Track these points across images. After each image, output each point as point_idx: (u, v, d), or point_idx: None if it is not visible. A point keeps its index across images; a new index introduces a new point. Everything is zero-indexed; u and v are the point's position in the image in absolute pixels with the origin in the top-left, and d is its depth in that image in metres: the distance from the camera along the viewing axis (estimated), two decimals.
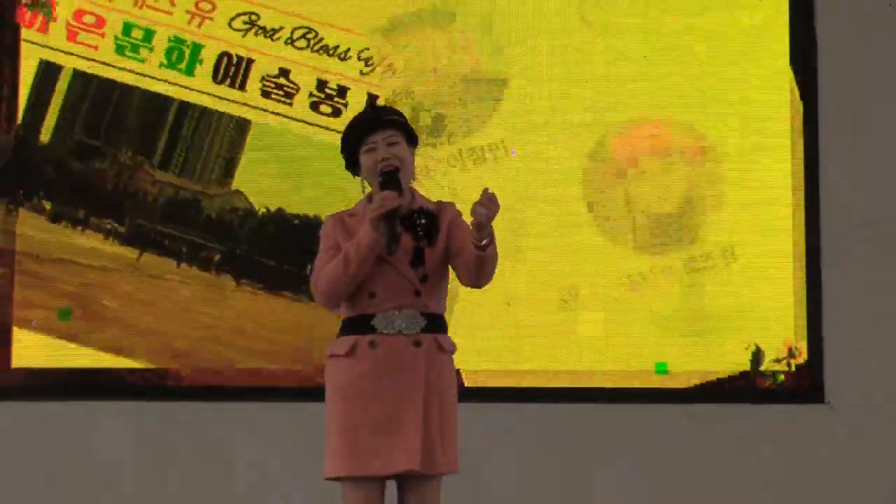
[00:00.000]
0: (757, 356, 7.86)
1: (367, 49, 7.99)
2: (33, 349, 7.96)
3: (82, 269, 7.97)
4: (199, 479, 7.86)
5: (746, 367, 7.89)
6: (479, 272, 4.24)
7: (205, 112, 7.84)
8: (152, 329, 7.97)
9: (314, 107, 7.92)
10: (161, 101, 7.81)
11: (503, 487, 7.60)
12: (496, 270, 4.36)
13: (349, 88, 7.93)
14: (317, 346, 6.79)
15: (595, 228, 8.02)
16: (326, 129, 7.70)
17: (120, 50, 7.86)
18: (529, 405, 7.79)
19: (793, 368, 7.85)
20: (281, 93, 7.83)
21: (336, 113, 7.85)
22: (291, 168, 7.87)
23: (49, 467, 7.89)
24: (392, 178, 4.18)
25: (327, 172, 7.56)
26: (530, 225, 7.94)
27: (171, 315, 7.96)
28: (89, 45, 7.86)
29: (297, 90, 7.97)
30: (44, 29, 7.83)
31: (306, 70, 7.93)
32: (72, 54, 7.89)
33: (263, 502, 7.71)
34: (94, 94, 7.83)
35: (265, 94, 7.94)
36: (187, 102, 7.84)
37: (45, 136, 7.92)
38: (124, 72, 7.90)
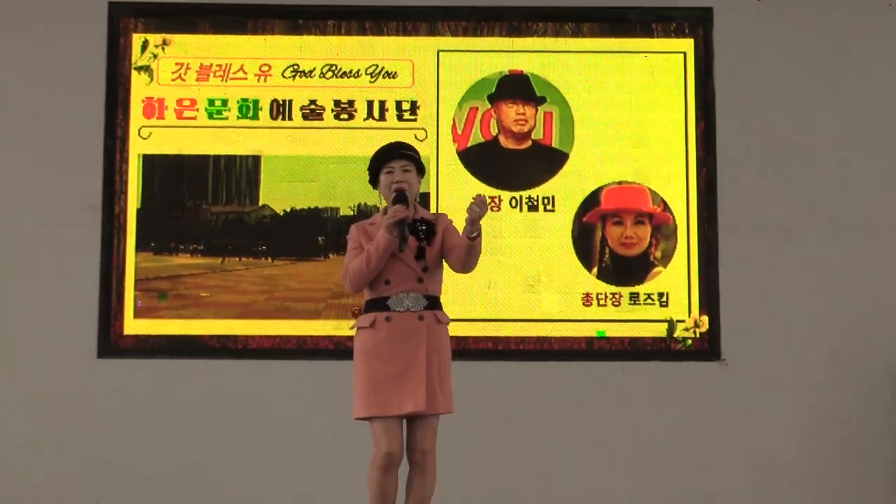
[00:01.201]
0: (671, 327, 8.70)
1: (374, 65, 9.03)
2: (139, 321, 8.81)
3: (176, 271, 9.05)
4: (259, 418, 8.51)
5: (664, 335, 8.72)
6: (468, 259, 4.74)
7: (230, 160, 8.92)
8: (225, 305, 8.90)
9: (336, 116, 8.95)
10: (204, 163, 8.94)
11: (486, 424, 8.21)
12: (479, 263, 5.03)
13: (355, 100, 8.97)
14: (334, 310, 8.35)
15: (570, 250, 8.90)
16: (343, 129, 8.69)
17: (210, 115, 9.02)
18: (505, 363, 8.61)
19: (697, 335, 8.72)
20: (311, 113, 9.04)
21: (350, 117, 9.01)
22: (294, 180, 8.98)
23: (148, 406, 8.53)
24: (401, 196, 4.67)
25: (321, 178, 8.96)
26: (523, 236, 8.97)
27: (238, 294, 8.90)
28: (190, 119, 9.03)
29: (323, 110, 9.02)
30: (161, 115, 8.96)
31: (327, 91, 9.04)
32: (181, 126, 9.08)
33: (306, 434, 8.34)
34: (162, 173, 8.94)
35: (304, 118, 8.95)
36: (220, 163, 8.94)
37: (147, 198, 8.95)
38: (214, 129, 9.05)
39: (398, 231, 4.60)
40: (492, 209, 8.64)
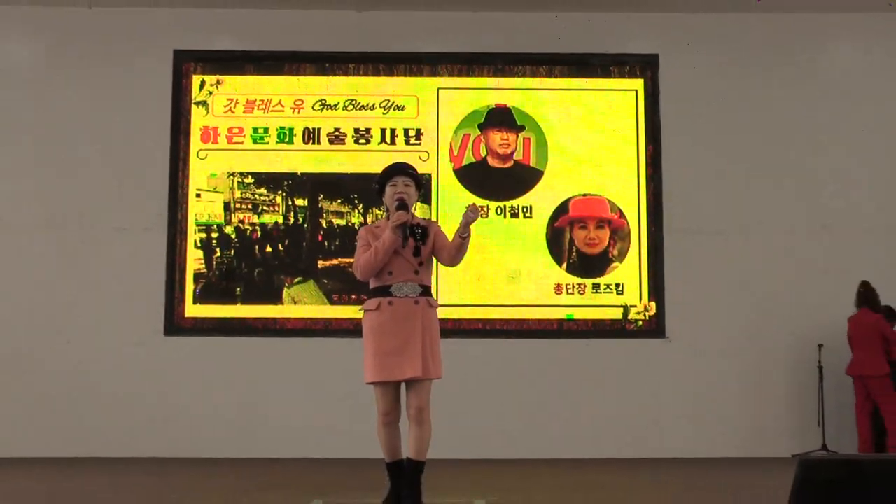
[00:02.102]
0: (626, 311, 9.19)
1: (386, 100, 9.25)
2: (197, 307, 9.13)
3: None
4: (291, 383, 8.85)
5: (620, 317, 9.18)
6: (457, 254, 4.81)
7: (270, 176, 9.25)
8: (264, 294, 9.21)
9: (356, 141, 9.22)
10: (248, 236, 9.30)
11: (476, 388, 8.60)
12: (467, 259, 5.10)
13: (371, 128, 9.24)
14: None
15: (545, 249, 9.16)
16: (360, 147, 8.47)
17: (254, 140, 9.32)
18: (492, 340, 9.01)
19: (646, 318, 9.18)
20: (336, 138, 9.28)
21: (367, 141, 9.23)
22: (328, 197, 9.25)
23: (204, 373, 8.87)
24: (403, 204, 4.72)
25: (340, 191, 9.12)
26: (507, 239, 9.22)
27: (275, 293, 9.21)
28: (239, 143, 9.26)
29: (345, 136, 9.28)
30: (215, 140, 9.27)
31: (348, 121, 9.33)
32: (231, 149, 9.26)
33: (329, 394, 8.66)
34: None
35: (330, 142, 9.28)
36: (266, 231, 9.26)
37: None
38: (258, 151, 9.26)
39: (401, 231, 4.65)
40: (481, 216, 8.94)
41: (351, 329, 8.53)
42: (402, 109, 9.29)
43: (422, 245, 4.71)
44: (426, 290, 4.76)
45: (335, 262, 9.14)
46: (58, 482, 6.08)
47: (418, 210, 5.41)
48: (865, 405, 8.40)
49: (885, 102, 9.37)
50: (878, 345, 8.30)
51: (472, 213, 4.67)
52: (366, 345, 4.70)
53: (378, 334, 4.66)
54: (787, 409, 8.96)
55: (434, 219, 9.01)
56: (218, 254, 9.16)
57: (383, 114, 9.29)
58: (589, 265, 9.18)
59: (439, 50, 9.40)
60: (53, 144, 9.16)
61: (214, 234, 9.16)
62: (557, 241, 9.20)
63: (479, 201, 9.12)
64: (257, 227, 9.16)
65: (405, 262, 4.72)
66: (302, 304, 9.12)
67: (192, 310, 9.07)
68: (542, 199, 9.25)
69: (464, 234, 4.67)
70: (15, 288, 8.96)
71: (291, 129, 9.26)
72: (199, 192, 9.15)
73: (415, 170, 5.01)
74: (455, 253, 4.78)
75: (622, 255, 9.20)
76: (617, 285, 9.15)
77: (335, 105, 9.30)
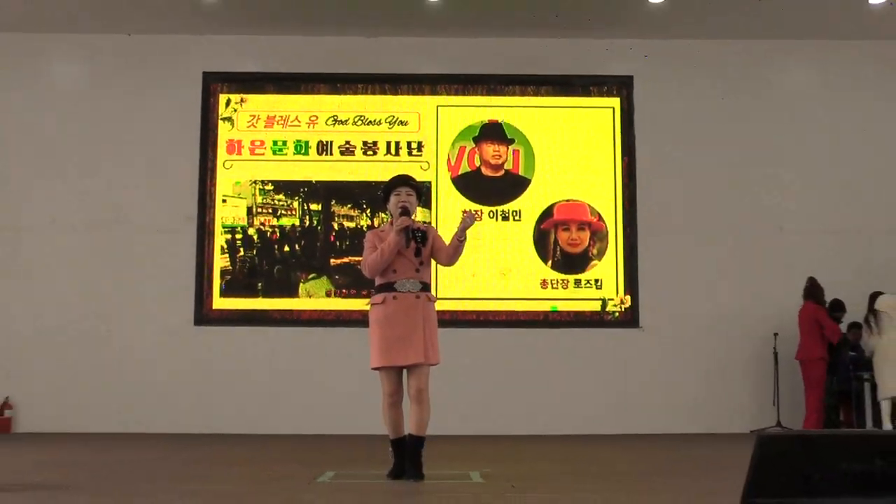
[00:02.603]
0: (604, 304, 9.24)
1: (391, 116, 9.30)
2: (223, 300, 9.20)
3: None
4: (306, 367, 8.90)
5: (599, 309, 9.23)
6: (454, 255, 4.82)
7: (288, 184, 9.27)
8: (283, 289, 9.23)
9: (365, 153, 9.23)
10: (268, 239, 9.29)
11: (471, 371, 8.63)
12: (463, 257, 5.05)
13: (377, 141, 9.25)
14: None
15: (532, 249, 9.18)
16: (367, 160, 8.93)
17: (273, 152, 9.36)
18: (485, 329, 9.05)
19: (622, 310, 9.23)
20: (346, 150, 9.30)
21: (374, 153, 9.22)
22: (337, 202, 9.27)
23: (229, 359, 8.93)
24: (406, 211, 4.75)
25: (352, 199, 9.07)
26: (498, 239, 9.22)
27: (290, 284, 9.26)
28: (260, 154, 9.31)
29: (355, 148, 9.30)
30: (239, 152, 9.30)
31: (357, 135, 9.34)
32: (253, 160, 9.29)
33: (339, 377, 8.67)
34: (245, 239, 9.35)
35: (341, 154, 9.29)
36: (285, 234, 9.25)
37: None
38: (277, 162, 9.29)
39: (405, 234, 4.68)
40: (476, 220, 8.75)
41: (359, 320, 8.33)
42: (405, 124, 9.32)
43: (422, 247, 4.72)
44: (426, 287, 4.76)
45: (345, 260, 9.16)
46: (99, 454, 6.12)
47: (419, 215, 5.53)
48: (809, 386, 8.43)
49: (832, 120, 9.42)
50: (817, 332, 8.37)
51: (468, 220, 4.68)
52: (372, 334, 4.71)
53: (383, 325, 4.66)
54: (746, 390, 9.02)
55: (434, 221, 9.07)
56: (241, 253, 9.19)
57: (388, 128, 9.32)
58: (571, 263, 9.21)
59: (438, 72, 9.47)
60: (98, 155, 9.22)
61: (238, 236, 9.20)
62: (543, 241, 9.23)
63: (474, 206, 9.19)
64: (276, 229, 9.20)
65: (407, 261, 4.72)
66: (316, 297, 9.11)
67: (219, 302, 9.13)
68: (530, 204, 9.29)
69: (461, 238, 4.69)
70: (63, 281, 9.01)
71: (307, 142, 9.29)
72: (224, 197, 9.19)
73: (415, 181, 5.01)
74: (452, 254, 4.80)
75: (601, 254, 9.22)
76: (596, 281, 9.18)
77: (346, 120, 9.33)
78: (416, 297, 4.67)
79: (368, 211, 9.21)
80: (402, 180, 4.92)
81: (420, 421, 4.63)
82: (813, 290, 8.52)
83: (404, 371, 4.68)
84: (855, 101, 9.44)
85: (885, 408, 8.08)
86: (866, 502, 2.26)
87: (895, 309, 8.15)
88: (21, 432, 8.61)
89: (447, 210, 9.20)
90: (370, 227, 8.94)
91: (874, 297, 8.35)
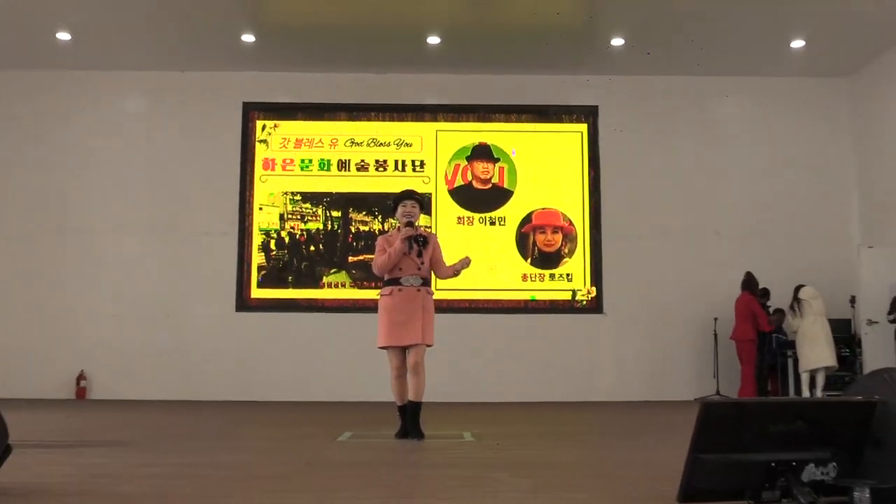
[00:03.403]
0: (574, 294, 9.22)
1: (399, 139, 9.26)
2: (260, 290, 9.18)
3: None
4: (329, 346, 8.83)
5: (570, 298, 9.21)
6: (447, 278, 4.93)
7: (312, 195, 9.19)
8: (310, 281, 9.17)
9: (377, 169, 9.20)
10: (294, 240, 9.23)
11: (464, 349, 8.61)
12: (459, 255, 5.11)
13: (387, 160, 9.23)
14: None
15: (514, 248, 9.17)
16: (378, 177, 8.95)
17: (301, 168, 9.35)
18: (476, 314, 9.03)
19: (589, 298, 9.22)
20: (361, 167, 9.27)
21: (385, 170, 9.17)
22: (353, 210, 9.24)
23: (265, 340, 8.94)
24: (411, 223, 4.79)
25: (366, 208, 8.94)
26: (486, 240, 9.15)
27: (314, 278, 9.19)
28: (290, 170, 9.29)
29: (369, 165, 9.29)
30: (273, 168, 9.29)
31: (371, 154, 9.32)
32: (284, 175, 9.26)
33: (355, 353, 8.47)
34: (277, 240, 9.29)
35: (357, 170, 9.28)
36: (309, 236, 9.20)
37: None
38: (304, 177, 9.25)
39: (409, 242, 4.72)
40: (468, 225, 9.10)
41: (372, 307, 7.55)
42: (410, 146, 9.30)
43: (423, 249, 4.72)
44: (426, 282, 4.77)
45: (361, 257, 9.10)
46: (157, 416, 6.14)
47: (421, 220, 5.23)
48: (742, 362, 8.43)
49: (759, 143, 9.43)
50: (750, 318, 8.36)
51: (466, 263, 4.73)
52: (380, 319, 4.71)
53: (390, 312, 4.66)
54: (691, 365, 9.05)
55: (434, 225, 8.98)
56: (274, 252, 9.16)
57: (396, 149, 9.30)
58: (547, 260, 9.21)
59: (437, 102, 9.47)
60: (157, 171, 9.24)
61: (272, 238, 9.17)
62: (523, 242, 9.21)
63: (467, 214, 9.18)
64: (304, 232, 9.16)
65: (411, 261, 4.72)
66: (336, 288, 9.07)
67: (256, 293, 9.12)
68: (513, 212, 9.30)
69: (457, 272, 4.77)
70: (129, 275, 9.05)
71: (329, 161, 9.29)
72: (261, 206, 9.18)
73: (419, 194, 5.04)
74: (446, 276, 4.87)
75: (571, 253, 9.20)
76: (567, 275, 9.17)
77: (361, 143, 9.33)
78: (417, 290, 4.66)
79: (380, 217, 9.16)
80: (408, 194, 4.91)
81: (417, 388, 4.63)
82: (749, 282, 8.51)
83: (407, 351, 4.66)
84: (777, 127, 9.44)
85: (805, 378, 8.12)
86: (789, 456, 2.27)
87: (814, 298, 8.19)
88: (94, 399, 8.66)
89: (444, 216, 9.15)
90: (381, 232, 8.82)
91: (798, 288, 8.36)
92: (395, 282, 4.70)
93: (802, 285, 8.36)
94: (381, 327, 4.68)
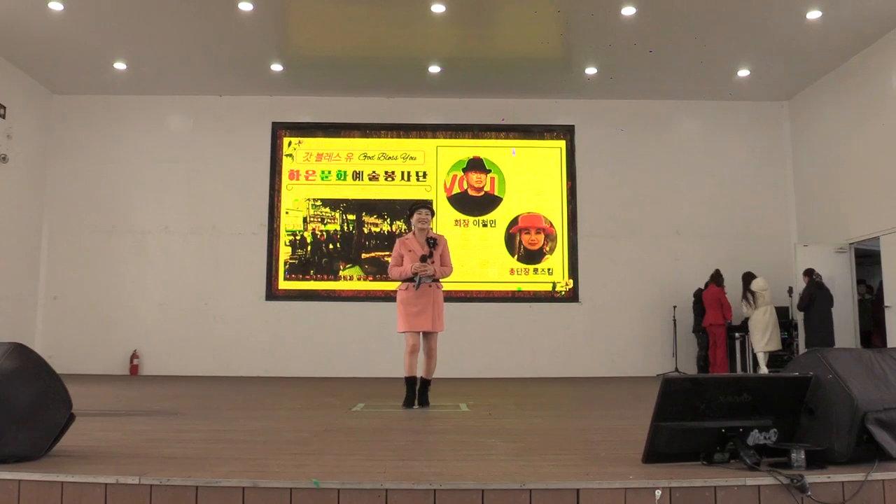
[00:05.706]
0: (554, 286, 9.14)
1: (405, 153, 9.12)
2: (287, 282, 9.08)
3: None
4: (348, 331, 8.75)
5: (550, 289, 9.14)
6: (442, 275, 4.88)
7: (330, 201, 9.08)
8: (328, 275, 9.10)
9: (386, 179, 9.12)
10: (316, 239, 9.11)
11: (464, 333, 8.52)
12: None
13: (395, 171, 9.14)
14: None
15: (503, 247, 9.12)
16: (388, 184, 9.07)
17: (322, 178, 9.26)
18: (472, 303, 8.96)
19: (567, 289, 9.14)
20: (373, 177, 9.20)
21: (393, 179, 9.06)
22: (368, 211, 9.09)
23: (291, 325, 8.82)
24: (423, 258, 4.57)
25: (377, 211, 8.96)
26: (480, 240, 9.10)
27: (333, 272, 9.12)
28: (312, 180, 9.20)
29: (379, 176, 9.20)
30: (297, 178, 9.20)
31: (381, 166, 9.23)
32: (307, 184, 9.15)
33: (374, 337, 8.58)
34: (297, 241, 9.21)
35: (370, 180, 9.20)
36: (326, 234, 9.06)
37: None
38: (324, 185, 9.15)
39: (417, 278, 4.68)
40: (464, 227, 9.04)
41: (382, 297, 8.68)
42: (415, 159, 9.21)
43: (433, 250, 4.71)
44: (436, 279, 4.74)
45: (372, 255, 9.04)
46: (199, 390, 6.08)
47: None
48: (715, 344, 8.41)
49: (711, 157, 9.33)
50: (718, 307, 8.30)
51: (421, 272, 4.63)
52: (398, 309, 4.72)
53: (406, 304, 4.67)
54: (654, 345, 8.98)
55: (435, 227, 8.69)
56: (299, 249, 9.04)
57: (402, 162, 9.20)
58: (531, 257, 9.13)
59: (437, 122, 9.36)
60: (198, 181, 9.14)
61: (297, 237, 9.05)
62: (511, 241, 9.14)
63: (464, 217, 9.09)
64: (323, 233, 9.05)
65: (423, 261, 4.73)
66: (351, 280, 8.96)
67: (283, 284, 9.04)
68: (502, 216, 9.20)
69: (436, 278, 4.70)
70: (173, 270, 8.97)
71: (345, 172, 9.20)
72: (287, 210, 9.07)
73: (431, 204, 5.17)
74: (438, 276, 4.82)
75: (552, 251, 9.13)
76: (548, 269, 9.10)
77: (372, 156, 9.25)
78: (428, 285, 4.67)
79: (388, 220, 9.03)
80: (423, 203, 4.90)
81: (429, 369, 4.71)
82: (717, 277, 8.46)
83: (423, 336, 4.70)
84: (728, 143, 9.37)
85: (762, 358, 8.06)
86: (737, 423, 2.27)
87: (764, 289, 8.16)
88: (145, 375, 8.60)
89: (444, 219, 9.04)
90: (391, 233, 8.83)
91: (747, 277, 8.30)
92: (410, 279, 4.69)
93: (753, 276, 8.30)
94: (400, 316, 4.68)
